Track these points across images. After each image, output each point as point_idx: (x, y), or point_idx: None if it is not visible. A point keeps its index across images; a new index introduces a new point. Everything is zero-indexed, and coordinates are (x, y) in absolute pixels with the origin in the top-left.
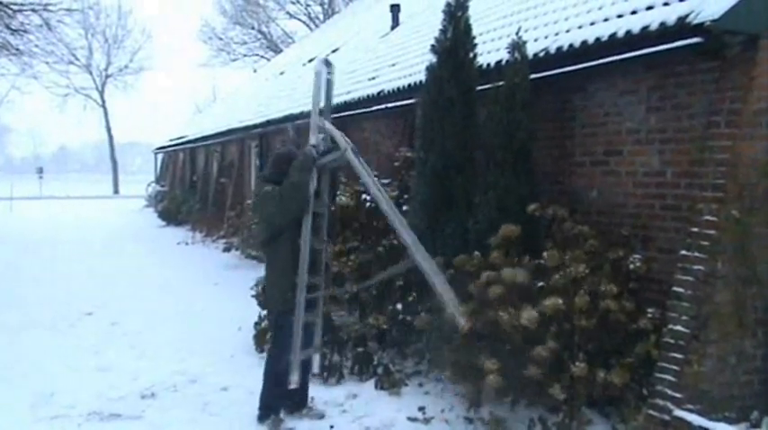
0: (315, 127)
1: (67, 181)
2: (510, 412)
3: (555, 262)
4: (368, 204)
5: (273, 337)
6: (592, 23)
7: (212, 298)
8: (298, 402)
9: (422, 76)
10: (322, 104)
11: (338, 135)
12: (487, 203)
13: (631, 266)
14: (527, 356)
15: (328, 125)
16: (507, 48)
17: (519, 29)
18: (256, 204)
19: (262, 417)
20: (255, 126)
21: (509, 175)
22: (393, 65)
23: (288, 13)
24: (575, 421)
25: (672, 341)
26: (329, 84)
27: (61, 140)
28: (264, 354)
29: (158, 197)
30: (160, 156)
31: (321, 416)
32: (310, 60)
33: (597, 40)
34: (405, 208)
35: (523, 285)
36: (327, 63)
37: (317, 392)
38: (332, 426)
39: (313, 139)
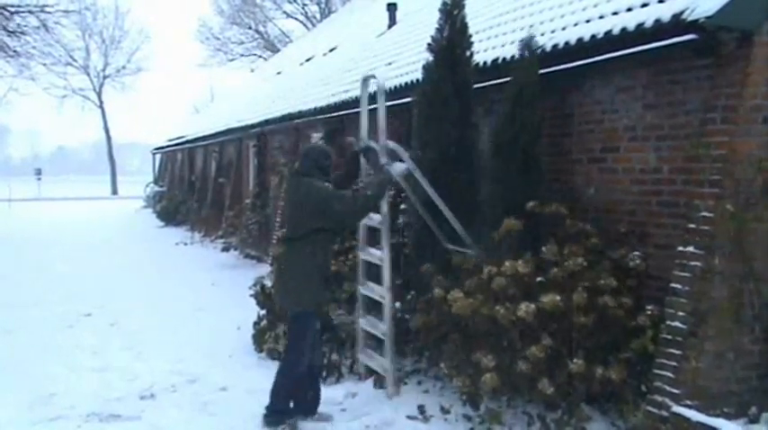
0: (384, 147)
1: (66, 182)
2: (509, 409)
3: (554, 256)
4: None
5: (297, 338)
6: (587, 21)
7: (211, 297)
8: (310, 407)
9: (418, 75)
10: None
11: (405, 155)
12: (490, 201)
13: (630, 263)
14: (524, 353)
15: (393, 144)
16: (519, 45)
17: (532, 25)
18: (308, 196)
19: (273, 423)
20: (253, 126)
21: (513, 173)
22: (390, 63)
23: (285, 12)
24: (573, 418)
25: (670, 337)
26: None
27: (59, 141)
28: (263, 354)
29: (157, 197)
30: (158, 157)
31: (329, 418)
32: (308, 60)
33: (593, 37)
34: (403, 206)
35: (525, 279)
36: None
37: None
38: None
39: (384, 159)
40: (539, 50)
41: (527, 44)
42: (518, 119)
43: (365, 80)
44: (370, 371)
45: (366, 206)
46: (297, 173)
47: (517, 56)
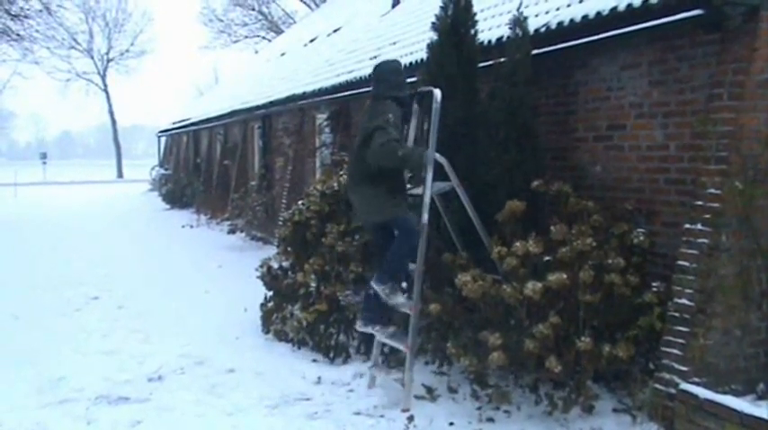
0: (431, 157)
1: (71, 166)
2: (516, 388)
3: (562, 236)
4: None
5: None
6: None
7: (218, 280)
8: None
9: (423, 54)
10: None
11: (450, 171)
12: (493, 180)
13: (635, 241)
14: (531, 332)
15: (441, 158)
16: (509, 24)
17: (521, 4)
18: (371, 119)
19: (387, 280)
20: (258, 107)
21: (513, 152)
22: (394, 43)
23: None
24: (581, 396)
25: (677, 315)
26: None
27: (64, 125)
28: (270, 336)
29: (162, 180)
30: (163, 140)
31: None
32: (312, 41)
33: (598, 14)
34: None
35: (535, 258)
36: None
37: (324, 372)
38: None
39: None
40: (542, 28)
41: (517, 22)
42: (514, 98)
43: (421, 94)
44: (381, 353)
45: (392, 155)
46: (374, 97)
47: (508, 34)
